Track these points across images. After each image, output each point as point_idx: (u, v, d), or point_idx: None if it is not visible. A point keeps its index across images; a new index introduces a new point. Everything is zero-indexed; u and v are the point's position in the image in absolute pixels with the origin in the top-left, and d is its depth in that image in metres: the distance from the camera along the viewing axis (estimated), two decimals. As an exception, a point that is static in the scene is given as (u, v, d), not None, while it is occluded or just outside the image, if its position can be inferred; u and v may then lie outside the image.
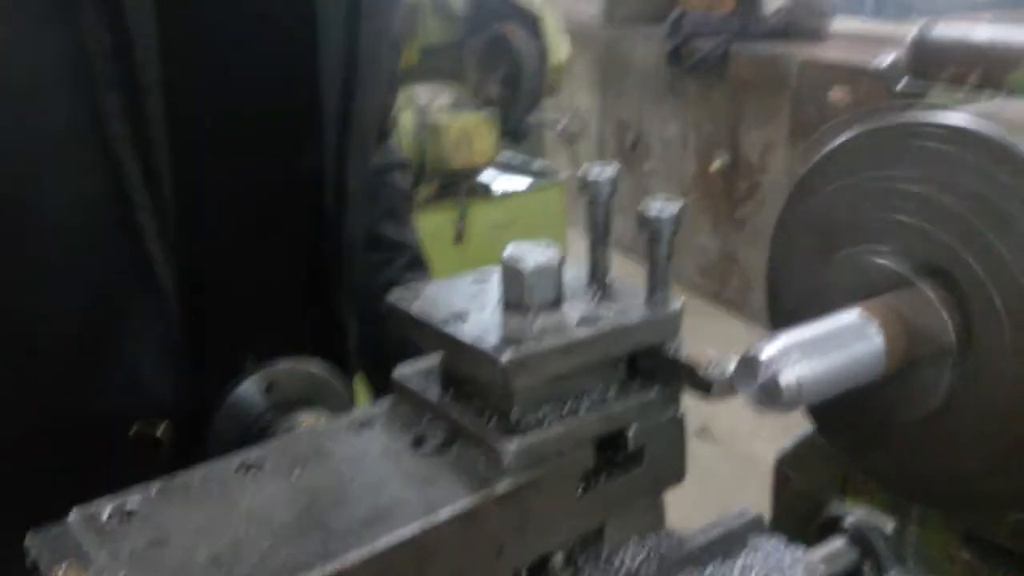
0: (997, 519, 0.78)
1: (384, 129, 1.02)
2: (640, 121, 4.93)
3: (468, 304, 0.59)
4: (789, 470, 0.96)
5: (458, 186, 2.69)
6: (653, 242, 0.58)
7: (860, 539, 0.94)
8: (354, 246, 0.86)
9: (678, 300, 0.59)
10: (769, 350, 0.53)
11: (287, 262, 0.85)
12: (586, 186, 0.61)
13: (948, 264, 0.58)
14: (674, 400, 0.60)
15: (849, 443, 0.67)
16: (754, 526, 0.81)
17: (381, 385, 1.09)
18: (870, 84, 3.45)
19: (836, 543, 0.94)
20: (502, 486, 0.52)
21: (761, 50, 4.03)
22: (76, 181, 0.63)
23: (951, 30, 1.04)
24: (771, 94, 3.96)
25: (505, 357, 0.52)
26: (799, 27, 4.10)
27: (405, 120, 2.57)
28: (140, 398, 0.72)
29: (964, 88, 0.66)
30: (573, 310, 0.57)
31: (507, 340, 0.53)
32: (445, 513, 0.49)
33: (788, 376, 0.52)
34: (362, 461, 0.54)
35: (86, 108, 0.61)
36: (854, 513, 0.94)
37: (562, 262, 0.59)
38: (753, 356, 0.53)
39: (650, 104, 4.82)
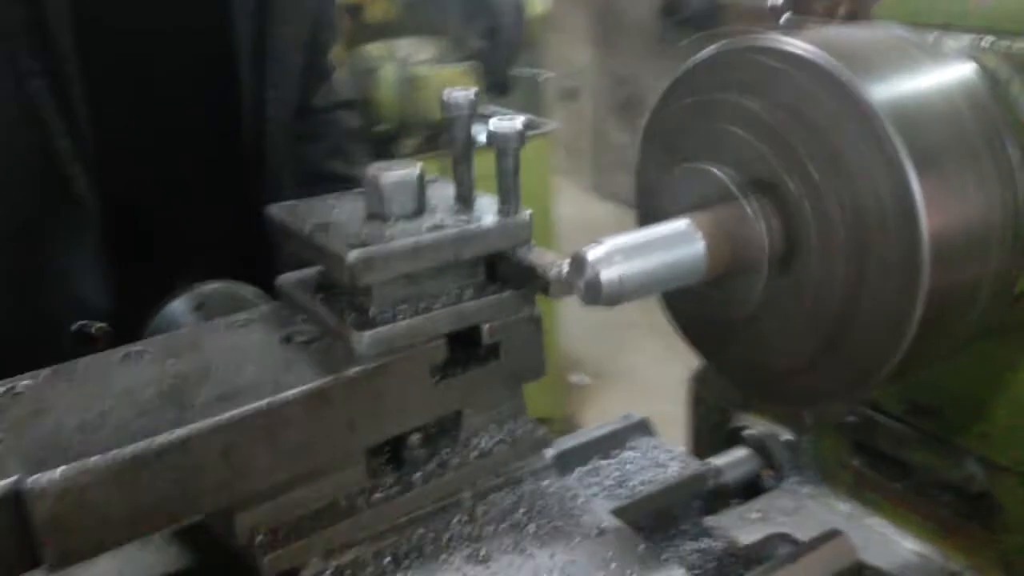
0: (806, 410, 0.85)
1: (323, 68, 1.06)
2: (636, 76, 4.93)
3: (336, 216, 0.65)
4: (700, 386, 1.03)
5: (442, 138, 2.73)
6: (501, 155, 0.63)
7: (760, 448, 1.00)
8: (276, 150, 0.90)
9: (527, 210, 0.65)
10: (595, 251, 0.58)
11: (210, 181, 0.90)
12: (449, 105, 0.66)
13: (773, 179, 0.63)
14: (529, 301, 0.66)
15: (701, 344, 0.73)
16: (639, 429, 0.88)
17: None
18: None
19: (739, 452, 1.00)
20: (353, 371, 0.58)
21: (752, 2, 4.01)
22: None
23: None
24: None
25: (352, 256, 0.58)
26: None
27: (387, 73, 2.61)
28: (76, 304, 0.78)
29: (834, 21, 0.70)
30: (430, 219, 0.63)
31: (357, 242, 0.59)
32: (294, 392, 0.55)
33: (609, 274, 0.58)
34: (232, 352, 0.60)
35: None
36: (755, 425, 1.01)
37: (422, 177, 0.65)
38: (581, 256, 0.58)
39: (645, 60, 4.82)
